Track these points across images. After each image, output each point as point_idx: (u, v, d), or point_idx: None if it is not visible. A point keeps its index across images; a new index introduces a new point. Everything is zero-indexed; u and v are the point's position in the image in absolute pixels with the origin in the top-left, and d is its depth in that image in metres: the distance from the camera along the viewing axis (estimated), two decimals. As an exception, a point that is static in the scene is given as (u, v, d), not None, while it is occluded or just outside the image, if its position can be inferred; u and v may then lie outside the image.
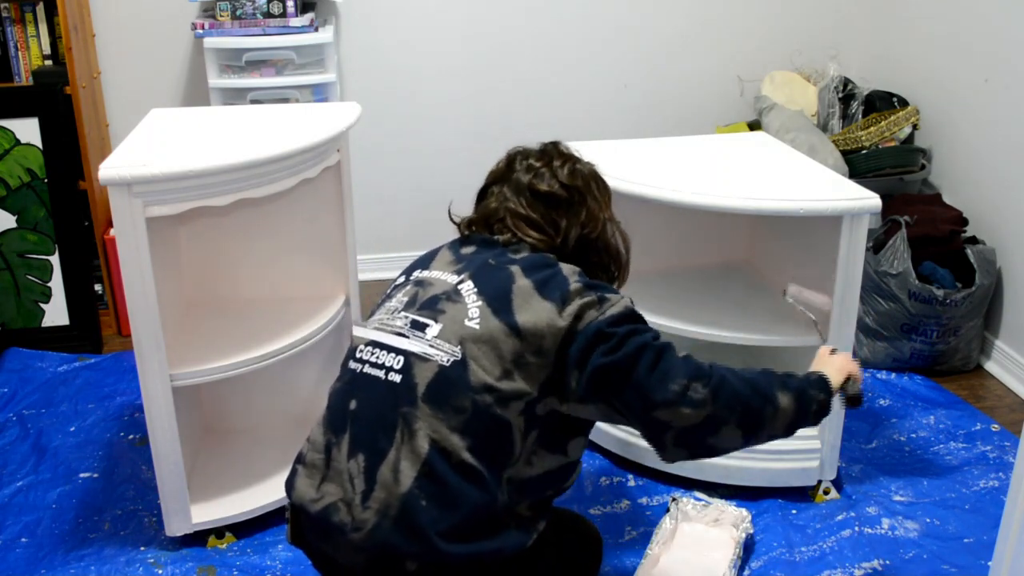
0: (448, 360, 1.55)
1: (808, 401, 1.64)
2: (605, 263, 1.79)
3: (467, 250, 1.72)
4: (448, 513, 1.50)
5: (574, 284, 1.60)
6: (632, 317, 1.61)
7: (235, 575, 2.07)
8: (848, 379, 1.73)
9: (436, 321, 1.59)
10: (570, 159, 1.78)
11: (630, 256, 1.83)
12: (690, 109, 3.55)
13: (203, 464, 2.34)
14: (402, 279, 1.75)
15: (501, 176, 1.79)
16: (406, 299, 1.66)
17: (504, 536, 1.55)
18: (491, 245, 1.70)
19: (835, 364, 1.74)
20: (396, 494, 1.51)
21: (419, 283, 1.69)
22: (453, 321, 1.58)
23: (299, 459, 1.67)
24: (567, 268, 1.65)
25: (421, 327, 1.59)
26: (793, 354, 2.45)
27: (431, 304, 1.62)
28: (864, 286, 2.54)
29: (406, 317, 1.62)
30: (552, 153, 1.78)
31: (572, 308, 1.57)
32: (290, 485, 1.66)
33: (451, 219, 1.81)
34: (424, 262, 1.76)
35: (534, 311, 1.57)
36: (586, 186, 1.76)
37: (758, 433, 1.61)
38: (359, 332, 1.69)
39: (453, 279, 1.65)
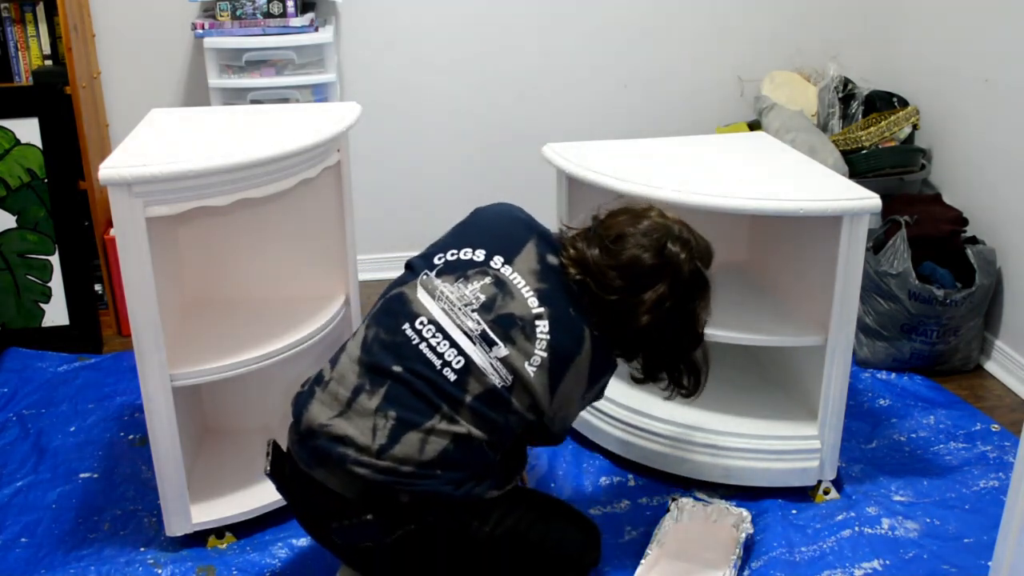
0: (500, 384, 1.65)
1: None
2: (679, 376, 1.86)
3: (552, 261, 1.75)
4: (455, 470, 1.63)
5: (606, 378, 1.80)
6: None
7: (235, 575, 2.07)
8: None
9: (505, 346, 1.66)
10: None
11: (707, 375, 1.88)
12: (690, 109, 3.55)
13: (203, 464, 2.34)
14: (482, 256, 1.74)
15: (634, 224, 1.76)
16: (483, 297, 1.69)
17: (490, 479, 1.71)
18: (568, 281, 1.74)
19: None
20: (416, 460, 1.61)
21: (500, 283, 1.71)
22: (518, 355, 1.66)
23: (317, 381, 1.74)
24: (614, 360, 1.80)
25: (490, 342, 1.66)
26: (793, 354, 2.45)
27: (506, 324, 1.67)
28: (864, 286, 2.54)
29: (478, 322, 1.67)
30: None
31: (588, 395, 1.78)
32: (301, 405, 1.72)
33: (562, 224, 1.87)
34: (506, 248, 1.75)
35: (574, 384, 1.70)
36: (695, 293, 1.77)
37: None
38: (424, 300, 1.70)
39: (533, 305, 1.69)
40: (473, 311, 1.68)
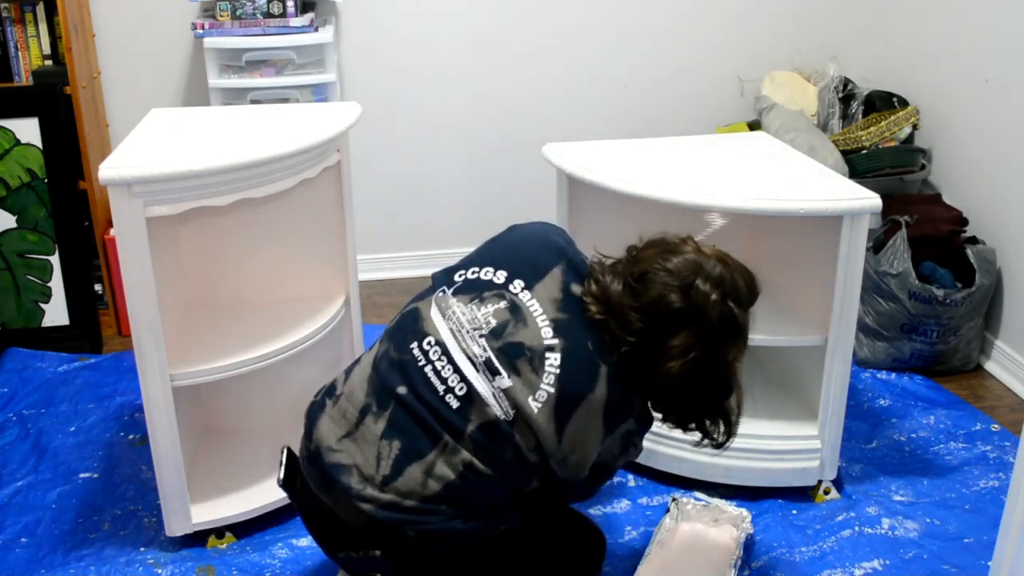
0: (502, 417, 1.56)
1: None
2: (710, 425, 1.67)
3: (577, 291, 1.62)
4: (460, 505, 1.58)
5: (630, 425, 1.63)
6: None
7: (234, 574, 2.07)
8: None
9: (508, 377, 1.56)
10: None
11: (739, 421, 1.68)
12: (690, 109, 3.55)
13: (203, 464, 2.34)
14: (502, 278, 1.63)
15: (663, 252, 1.61)
16: (494, 322, 1.59)
17: (502, 518, 1.64)
18: (592, 319, 1.60)
19: None
20: (419, 494, 1.56)
21: (515, 309, 1.60)
22: (522, 388, 1.55)
23: (330, 392, 1.69)
24: (638, 406, 1.63)
25: (494, 371, 1.56)
26: (793, 354, 2.45)
27: (513, 353, 1.56)
28: (864, 286, 2.54)
29: (484, 349, 1.57)
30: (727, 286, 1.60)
31: (609, 442, 1.62)
32: (313, 417, 1.68)
33: (598, 253, 1.69)
34: (529, 272, 1.63)
35: (585, 427, 1.57)
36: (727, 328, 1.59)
37: None
38: (435, 318, 1.62)
39: (547, 335, 1.57)
40: (481, 336, 1.58)
